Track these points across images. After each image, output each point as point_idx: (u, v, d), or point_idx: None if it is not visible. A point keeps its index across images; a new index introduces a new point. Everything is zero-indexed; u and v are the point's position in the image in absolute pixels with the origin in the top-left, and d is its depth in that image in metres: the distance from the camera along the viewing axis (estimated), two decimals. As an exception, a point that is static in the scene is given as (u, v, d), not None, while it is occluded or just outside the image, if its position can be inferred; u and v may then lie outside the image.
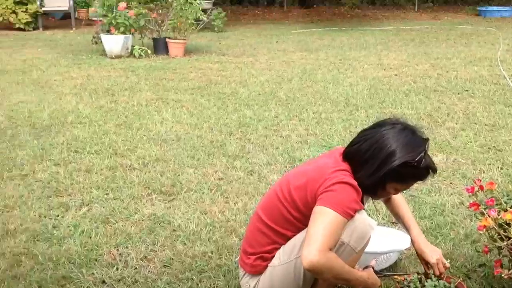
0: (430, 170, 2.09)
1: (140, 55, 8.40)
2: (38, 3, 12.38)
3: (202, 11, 9.16)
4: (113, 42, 8.45)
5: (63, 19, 13.94)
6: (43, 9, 12.60)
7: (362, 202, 2.07)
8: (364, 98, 5.79)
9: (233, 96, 5.97)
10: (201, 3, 9.13)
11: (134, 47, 8.50)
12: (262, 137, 4.56)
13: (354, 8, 16.61)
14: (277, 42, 10.34)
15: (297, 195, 2.07)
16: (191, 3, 8.75)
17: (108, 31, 8.52)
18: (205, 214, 3.20)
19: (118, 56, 8.39)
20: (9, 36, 11.32)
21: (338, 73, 7.20)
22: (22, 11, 12.20)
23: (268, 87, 6.42)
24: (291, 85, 6.49)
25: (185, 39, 8.85)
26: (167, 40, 8.77)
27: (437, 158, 3.94)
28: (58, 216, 3.18)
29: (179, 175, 3.77)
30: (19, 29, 12.12)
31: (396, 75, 7.01)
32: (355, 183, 2.02)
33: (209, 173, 3.81)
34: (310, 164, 2.23)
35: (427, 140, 2.09)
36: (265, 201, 2.22)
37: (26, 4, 12.29)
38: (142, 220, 3.12)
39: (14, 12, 12.14)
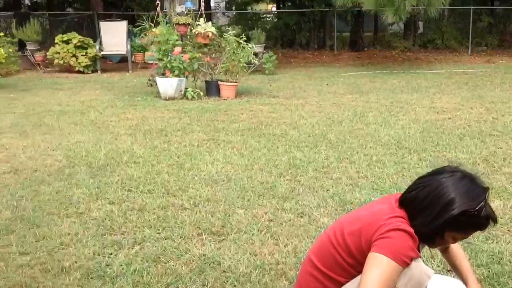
0: (490, 220, 2.03)
1: (193, 97, 8.60)
2: (97, 47, 12.97)
3: (254, 54, 9.37)
4: (168, 85, 8.71)
5: (120, 63, 14.51)
6: (102, 53, 13.18)
7: (419, 250, 2.02)
8: (416, 141, 5.71)
9: (283, 138, 6.01)
10: (253, 47, 9.34)
11: (187, 90, 8.73)
12: (312, 179, 4.55)
13: (405, 51, 16.55)
14: (327, 84, 10.39)
15: (350, 240, 2.05)
16: (243, 47, 8.96)
17: (163, 74, 8.80)
18: (255, 256, 3.18)
19: (172, 98, 8.62)
20: (69, 79, 11.84)
21: (389, 115, 7.15)
22: (82, 55, 12.82)
23: (318, 129, 6.43)
24: (342, 128, 6.48)
25: (236, 82, 9.03)
26: (219, 82, 8.98)
27: (494, 204, 3.81)
28: (111, 254, 3.23)
29: (229, 215, 3.79)
30: (79, 71, 12.70)
31: (449, 118, 6.90)
32: (411, 230, 1.97)
33: (259, 214, 3.81)
34: (364, 210, 2.20)
35: (487, 189, 2.03)
36: (317, 246, 2.20)
37: (86, 48, 12.92)
38: (193, 260, 3.14)
39: (74, 56, 12.77)
